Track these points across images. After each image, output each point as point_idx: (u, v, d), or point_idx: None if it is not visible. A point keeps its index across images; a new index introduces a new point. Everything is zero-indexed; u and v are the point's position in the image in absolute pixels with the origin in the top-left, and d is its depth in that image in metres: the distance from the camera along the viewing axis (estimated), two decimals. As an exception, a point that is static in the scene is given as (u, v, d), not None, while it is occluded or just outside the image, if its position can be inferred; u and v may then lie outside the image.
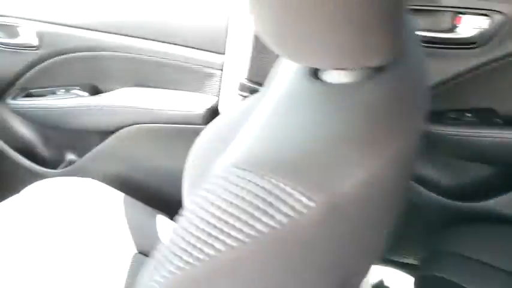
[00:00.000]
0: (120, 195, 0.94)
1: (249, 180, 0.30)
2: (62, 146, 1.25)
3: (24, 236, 0.85)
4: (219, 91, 0.96)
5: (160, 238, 0.89)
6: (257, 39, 0.78)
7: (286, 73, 0.44)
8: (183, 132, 0.99)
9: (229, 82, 0.91)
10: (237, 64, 0.85)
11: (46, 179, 0.97)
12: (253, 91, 0.80)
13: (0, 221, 0.88)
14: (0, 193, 1.33)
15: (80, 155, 1.23)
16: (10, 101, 1.12)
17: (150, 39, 0.95)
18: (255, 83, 0.79)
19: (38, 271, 0.80)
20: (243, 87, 0.81)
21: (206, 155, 0.69)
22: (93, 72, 1.05)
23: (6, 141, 1.21)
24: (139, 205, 0.94)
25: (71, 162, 1.25)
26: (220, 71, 0.94)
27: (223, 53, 0.91)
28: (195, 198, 0.34)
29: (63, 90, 1.09)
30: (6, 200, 0.93)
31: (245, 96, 0.82)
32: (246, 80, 0.81)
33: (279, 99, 0.39)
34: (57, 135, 1.20)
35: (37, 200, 0.92)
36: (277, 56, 0.78)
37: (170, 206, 0.99)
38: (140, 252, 0.86)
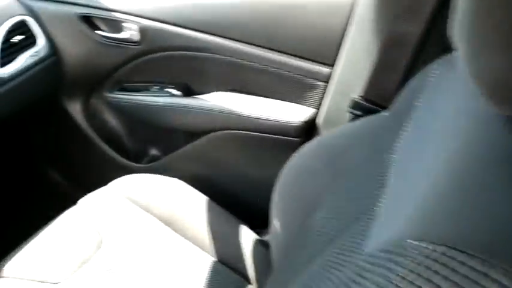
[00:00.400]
0: (204, 199, 0.92)
1: (463, 262, 0.24)
2: (147, 141, 1.26)
3: (109, 229, 0.86)
4: (320, 104, 0.90)
5: (243, 251, 0.85)
6: (380, 56, 0.71)
7: (463, 111, 0.36)
8: (276, 143, 0.94)
9: (335, 96, 0.85)
10: (349, 79, 0.79)
11: (134, 174, 0.97)
12: (366, 111, 0.73)
13: (89, 211, 0.88)
14: (87, 182, 1.38)
15: (163, 151, 1.24)
16: (106, 94, 1.13)
17: (254, 44, 0.91)
18: (371, 102, 0.72)
19: (114, 263, 0.80)
20: (354, 105, 0.75)
21: (304, 177, 0.64)
22: (189, 72, 1.03)
23: (97, 132, 1.24)
24: (222, 212, 0.92)
25: (154, 158, 1.26)
26: (324, 83, 0.88)
27: (331, 65, 0.85)
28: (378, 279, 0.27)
29: (158, 87, 1.08)
30: (95, 192, 0.94)
31: (355, 115, 0.75)
32: (360, 98, 0.74)
33: (466, 150, 0.32)
34: (144, 129, 1.21)
35: (125, 194, 0.92)
36: (404, 78, 0.71)
37: (253, 215, 0.95)
38: (220, 261, 0.83)
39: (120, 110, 1.16)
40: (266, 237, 0.90)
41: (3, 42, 0.93)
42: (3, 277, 0.76)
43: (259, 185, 1.04)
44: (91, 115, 1.23)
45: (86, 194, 1.32)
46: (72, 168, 1.42)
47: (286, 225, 0.65)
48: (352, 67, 0.80)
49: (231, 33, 0.92)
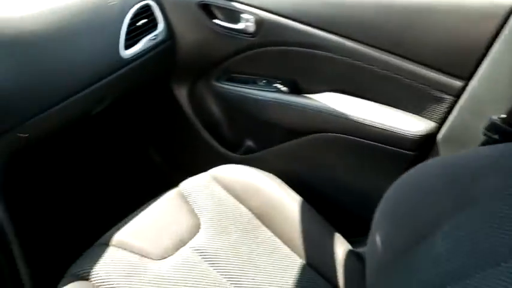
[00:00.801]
0: (298, 199, 0.89)
1: None
2: (245, 132, 1.26)
3: (206, 215, 0.87)
4: (443, 119, 0.82)
5: (334, 258, 0.82)
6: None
7: None
8: (386, 154, 0.88)
9: (464, 113, 0.76)
10: (485, 96, 0.71)
11: (232, 165, 0.98)
12: (506, 135, 0.64)
13: (190, 195, 0.91)
14: (184, 164, 1.43)
15: (260, 145, 1.23)
16: (213, 82, 1.15)
17: (378, 47, 0.85)
18: (513, 126, 0.63)
19: (208, 250, 0.81)
20: (491, 127, 0.66)
21: (419, 196, 0.58)
22: (300, 69, 1.00)
23: (198, 118, 1.27)
24: (316, 215, 0.89)
25: (250, 149, 1.26)
26: (451, 96, 0.80)
27: (465, 79, 0.77)
28: None
29: (265, 81, 1.07)
30: (196, 177, 0.96)
31: (491, 138, 0.67)
32: (499, 120, 0.65)
33: None
34: (244, 121, 1.21)
35: (222, 182, 0.94)
36: None
37: (347, 223, 0.91)
38: (308, 264, 0.81)
39: (224, 99, 1.17)
40: (360, 249, 0.86)
41: (129, 25, 0.98)
42: (109, 245, 0.80)
43: (359, 194, 0.99)
44: (195, 101, 1.26)
45: (181, 175, 1.37)
46: (171, 149, 1.48)
47: (390, 243, 0.61)
48: (492, 84, 0.71)
49: (353, 33, 0.87)
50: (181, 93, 1.26)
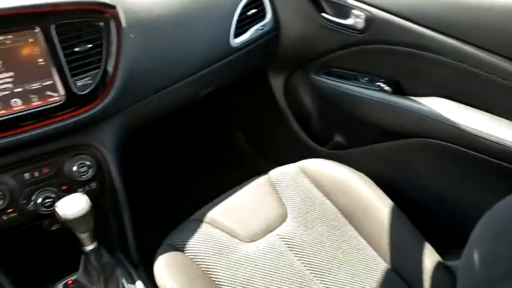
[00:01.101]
0: (389, 202, 0.88)
1: None
2: (336, 127, 1.26)
3: (294, 206, 0.89)
4: None
5: (422, 268, 0.80)
6: None
7: None
8: (496, 168, 0.83)
9: None
10: None
11: (321, 159, 0.98)
12: None
13: (279, 184, 0.93)
14: (270, 152, 1.46)
15: (351, 142, 1.22)
16: (312, 75, 1.15)
17: (500, 54, 0.79)
18: None
19: (293, 241, 0.83)
20: None
21: None
22: (406, 70, 0.97)
23: (290, 109, 1.29)
24: (406, 221, 0.87)
25: (338, 145, 1.25)
26: None
27: None
28: None
29: (367, 79, 1.05)
30: (285, 167, 0.98)
31: None
32: None
33: None
34: (337, 116, 1.20)
35: (310, 175, 0.95)
36: None
37: (438, 234, 0.88)
38: (393, 270, 0.80)
39: (320, 92, 1.17)
40: (451, 262, 0.83)
41: (240, 14, 1.01)
42: (202, 221, 0.86)
43: (456, 206, 0.95)
44: (289, 91, 1.28)
45: (265, 162, 1.41)
46: (258, 135, 1.52)
47: (491, 263, 0.58)
48: None
49: (474, 37, 0.82)
50: (277, 83, 1.28)
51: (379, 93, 1.00)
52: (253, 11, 1.05)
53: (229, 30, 0.99)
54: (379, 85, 1.01)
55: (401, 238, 0.84)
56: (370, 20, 0.96)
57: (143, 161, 1.30)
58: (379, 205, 0.87)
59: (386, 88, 1.00)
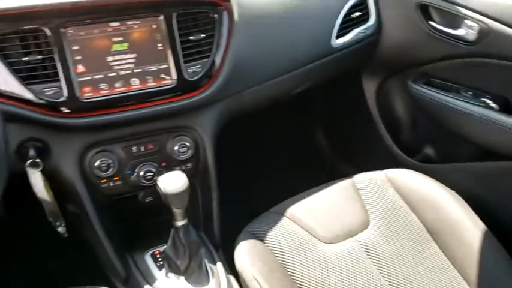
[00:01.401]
0: (481, 226, 0.83)
1: None
2: (427, 139, 1.21)
3: (377, 214, 0.88)
4: None
5: None
6: None
7: None
8: None
9: None
10: None
11: (409, 170, 0.95)
12: None
13: (364, 190, 0.92)
14: (352, 157, 1.44)
15: (442, 156, 1.17)
16: (409, 83, 1.12)
17: None
18: None
19: (373, 250, 0.82)
20: None
21: None
22: None
23: (380, 115, 1.26)
24: (499, 248, 0.81)
25: (428, 158, 1.21)
26: None
27: None
28: None
29: (471, 93, 1.00)
30: (370, 173, 0.96)
31: None
32: None
33: None
34: (430, 127, 1.16)
35: (396, 186, 0.92)
36: None
37: None
38: None
39: (417, 101, 1.13)
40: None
41: (344, 16, 1.01)
42: (283, 215, 0.87)
43: None
44: (382, 97, 1.25)
45: (346, 165, 1.39)
46: (342, 137, 1.51)
47: None
48: None
49: None
50: (370, 87, 1.26)
51: (484, 110, 0.95)
52: (358, 13, 1.04)
53: (332, 30, 1.00)
54: (484, 101, 0.96)
55: (491, 264, 0.79)
56: (484, 32, 0.90)
57: (233, 150, 1.34)
58: (469, 226, 0.83)
59: (493, 105, 0.95)
